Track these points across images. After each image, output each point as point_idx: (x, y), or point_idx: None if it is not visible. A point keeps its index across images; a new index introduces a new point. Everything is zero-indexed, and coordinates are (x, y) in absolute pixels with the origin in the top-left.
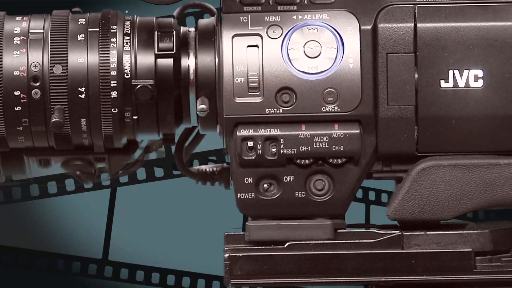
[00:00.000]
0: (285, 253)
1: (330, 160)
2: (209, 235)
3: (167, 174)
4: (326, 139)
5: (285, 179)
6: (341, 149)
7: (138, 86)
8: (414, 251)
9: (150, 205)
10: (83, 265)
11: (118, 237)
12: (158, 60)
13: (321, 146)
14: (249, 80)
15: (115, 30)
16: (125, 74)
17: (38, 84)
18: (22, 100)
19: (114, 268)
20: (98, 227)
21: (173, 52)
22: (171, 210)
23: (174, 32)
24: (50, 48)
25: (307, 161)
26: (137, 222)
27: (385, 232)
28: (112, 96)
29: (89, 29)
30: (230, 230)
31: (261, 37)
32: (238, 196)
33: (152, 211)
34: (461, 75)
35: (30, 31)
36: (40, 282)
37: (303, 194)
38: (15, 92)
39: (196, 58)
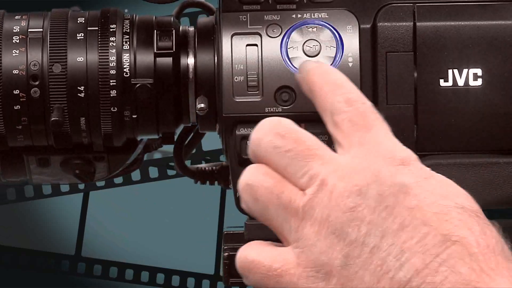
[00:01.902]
0: None
1: None
2: (183, 233)
3: (144, 176)
4: (326, 138)
5: None
6: None
7: (138, 85)
8: None
9: (126, 204)
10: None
11: (91, 234)
12: (158, 59)
13: None
14: (248, 79)
15: (114, 29)
16: (125, 73)
17: (37, 83)
18: (21, 99)
19: (87, 264)
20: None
21: (172, 51)
22: (146, 209)
23: (173, 30)
24: (50, 47)
25: None
26: (113, 220)
27: None
28: (111, 95)
29: (88, 28)
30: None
31: (261, 36)
32: (238, 195)
33: (128, 210)
34: (460, 74)
35: (29, 30)
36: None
37: None
38: (14, 91)
39: (195, 57)
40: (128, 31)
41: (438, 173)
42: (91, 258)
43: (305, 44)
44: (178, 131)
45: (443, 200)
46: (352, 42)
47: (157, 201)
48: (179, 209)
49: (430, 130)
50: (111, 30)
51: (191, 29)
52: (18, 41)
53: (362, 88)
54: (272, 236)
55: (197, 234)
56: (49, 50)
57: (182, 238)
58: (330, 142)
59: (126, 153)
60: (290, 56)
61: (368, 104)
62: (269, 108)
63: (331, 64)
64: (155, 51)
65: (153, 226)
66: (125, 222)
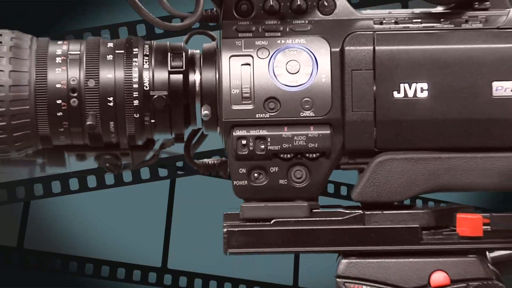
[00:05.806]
0: (271, 228)
1: (307, 155)
2: (131, 225)
3: (100, 184)
4: (304, 138)
5: (271, 169)
6: (316, 146)
7: (155, 96)
8: (373, 226)
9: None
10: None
11: (33, 226)
12: (171, 75)
13: (300, 143)
14: (242, 91)
15: (137, 52)
16: (145, 87)
17: (75, 94)
18: (63, 107)
19: (30, 256)
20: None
21: (182, 69)
22: (99, 204)
23: (184, 53)
24: (85, 66)
25: (288, 156)
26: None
27: (350, 211)
28: (134, 104)
29: (116, 51)
30: (228, 210)
31: (252, 57)
32: (234, 183)
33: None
34: (410, 87)
35: (69, 52)
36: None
37: (286, 181)
38: (57, 101)
39: (201, 74)
40: (148, 53)
41: (393, 166)
42: (33, 250)
43: (288, 63)
44: (187, 132)
45: None
46: (325, 62)
47: (112, 199)
48: (128, 202)
49: (387, 132)
50: (134, 52)
51: (197, 52)
52: (60, 61)
53: (332, 98)
54: (261, 216)
55: (144, 227)
56: (85, 68)
57: (129, 231)
58: (307, 141)
59: (146, 150)
60: (276, 73)
61: None
62: (259, 115)
63: (307, 80)
64: (169, 69)
65: (102, 220)
66: (72, 217)
